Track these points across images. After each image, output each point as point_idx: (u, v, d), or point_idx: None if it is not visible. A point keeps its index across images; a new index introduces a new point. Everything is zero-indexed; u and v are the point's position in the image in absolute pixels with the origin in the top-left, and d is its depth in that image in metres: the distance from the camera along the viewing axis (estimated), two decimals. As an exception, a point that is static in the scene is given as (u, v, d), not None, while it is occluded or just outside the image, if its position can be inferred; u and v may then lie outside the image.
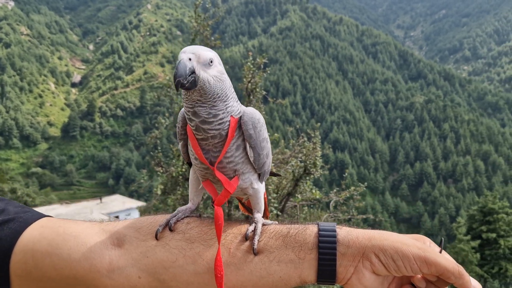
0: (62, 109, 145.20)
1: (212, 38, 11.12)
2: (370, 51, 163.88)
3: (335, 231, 1.05)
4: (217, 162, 1.12)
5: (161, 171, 12.37)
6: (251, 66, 10.14)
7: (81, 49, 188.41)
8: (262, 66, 10.20)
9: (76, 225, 1.10)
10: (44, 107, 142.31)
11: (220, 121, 1.10)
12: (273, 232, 1.09)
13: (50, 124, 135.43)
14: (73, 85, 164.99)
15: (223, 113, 1.10)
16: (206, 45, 10.74)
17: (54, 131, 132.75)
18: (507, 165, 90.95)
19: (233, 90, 1.15)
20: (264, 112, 10.49)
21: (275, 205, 9.23)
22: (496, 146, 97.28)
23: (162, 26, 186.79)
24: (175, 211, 1.16)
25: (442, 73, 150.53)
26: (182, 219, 1.14)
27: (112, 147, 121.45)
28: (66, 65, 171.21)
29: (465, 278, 0.98)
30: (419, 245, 1.00)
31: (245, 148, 1.14)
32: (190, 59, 1.10)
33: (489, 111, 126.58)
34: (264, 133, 1.16)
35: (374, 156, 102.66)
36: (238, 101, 1.15)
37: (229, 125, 1.10)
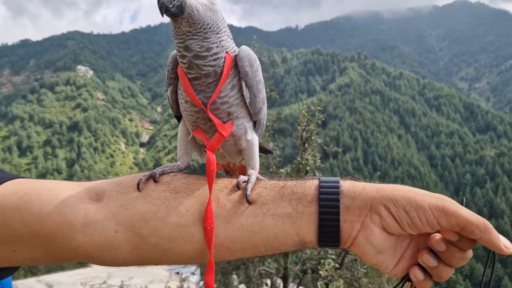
0: (131, 168, 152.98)
1: (268, 90, 11.58)
2: (433, 104, 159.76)
3: (338, 182, 0.92)
4: (210, 102, 1.04)
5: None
6: (306, 114, 10.36)
7: (150, 111, 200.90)
8: (316, 114, 10.40)
9: (52, 182, 1.00)
10: (114, 166, 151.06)
11: (214, 56, 1.03)
12: (268, 183, 0.97)
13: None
14: (142, 145, 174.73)
15: (216, 46, 1.03)
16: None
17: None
18: None
19: (226, 25, 1.09)
20: (323, 166, 10.52)
21: (333, 256, 8.98)
22: None
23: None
24: (162, 166, 1.08)
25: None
26: (168, 173, 1.04)
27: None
28: (136, 126, 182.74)
29: (493, 232, 0.81)
30: (435, 195, 0.85)
31: (240, 88, 1.07)
32: None
33: None
34: (261, 75, 1.10)
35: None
36: (232, 39, 1.09)
37: (224, 61, 1.03)
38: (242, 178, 0.99)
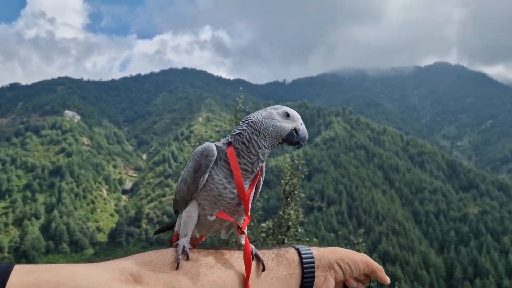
0: (112, 215, 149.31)
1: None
2: (416, 160, 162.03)
3: (310, 249, 1.43)
4: (249, 192, 1.41)
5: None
6: (289, 167, 10.21)
7: (135, 158, 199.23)
8: (299, 167, 10.28)
9: (66, 267, 0.98)
10: (95, 212, 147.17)
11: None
12: (267, 254, 1.37)
13: (98, 229, 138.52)
14: (124, 191, 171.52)
15: None
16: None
17: (102, 237, 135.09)
18: None
19: None
20: (306, 220, 10.27)
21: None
22: None
23: (211, 136, 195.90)
24: (179, 244, 1.30)
25: (496, 183, 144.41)
26: (191, 249, 1.28)
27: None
28: (119, 173, 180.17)
29: (383, 272, 1.45)
30: (360, 253, 1.46)
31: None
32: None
33: None
34: None
35: (428, 271, 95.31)
36: None
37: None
38: (253, 249, 1.38)
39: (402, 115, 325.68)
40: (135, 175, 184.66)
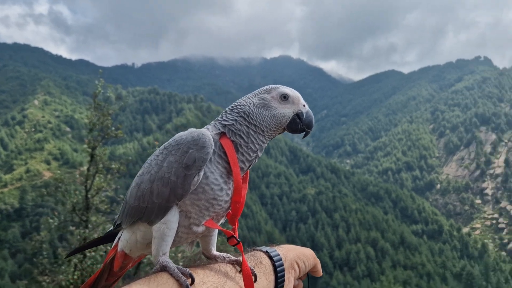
0: None
1: (113, 128, 10.43)
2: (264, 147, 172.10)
3: (276, 250, 1.35)
4: (244, 195, 1.27)
5: (47, 280, 10.50)
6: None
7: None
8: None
9: None
10: None
11: None
12: (251, 263, 1.26)
13: None
14: None
15: None
16: (107, 135, 10.06)
17: None
18: (394, 250, 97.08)
19: None
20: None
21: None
22: (382, 232, 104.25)
23: (49, 122, 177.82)
24: (168, 266, 1.12)
25: (329, 166, 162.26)
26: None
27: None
28: None
29: (320, 265, 1.48)
30: (308, 249, 1.47)
31: None
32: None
33: (372, 200, 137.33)
34: None
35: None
36: None
37: None
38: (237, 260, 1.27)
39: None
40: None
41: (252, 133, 1.27)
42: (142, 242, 1.27)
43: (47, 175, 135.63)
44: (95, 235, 10.58)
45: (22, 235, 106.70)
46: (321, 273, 1.46)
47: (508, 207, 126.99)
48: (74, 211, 10.66)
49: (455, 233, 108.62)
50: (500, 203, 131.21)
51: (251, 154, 1.26)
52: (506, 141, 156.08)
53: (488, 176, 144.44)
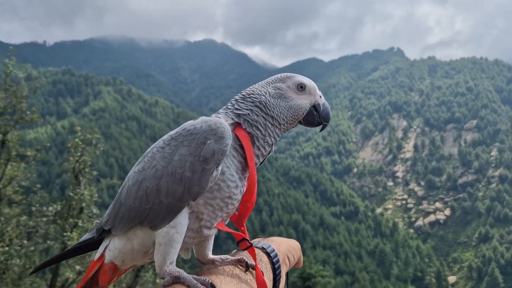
0: None
1: (28, 112, 9.59)
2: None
3: (271, 245, 1.27)
4: (255, 191, 1.17)
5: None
6: (80, 143, 8.95)
7: None
8: (94, 142, 9.09)
9: None
10: None
11: None
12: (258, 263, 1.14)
13: None
14: None
15: None
16: (22, 119, 9.18)
17: None
18: (314, 231, 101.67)
19: None
20: (97, 195, 9.20)
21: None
22: (303, 215, 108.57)
23: None
24: (181, 277, 0.99)
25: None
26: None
27: None
28: None
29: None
30: (293, 240, 1.41)
31: None
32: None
33: (294, 184, 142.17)
34: None
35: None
36: None
37: None
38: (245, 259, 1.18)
39: (173, 88, 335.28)
40: None
41: (269, 125, 1.17)
42: (140, 251, 1.10)
43: None
44: (8, 229, 9.77)
45: None
46: (302, 264, 1.38)
47: (416, 189, 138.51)
48: (-17, 203, 9.72)
49: (369, 213, 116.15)
50: (409, 185, 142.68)
51: (267, 148, 1.17)
52: (415, 127, 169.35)
53: (399, 160, 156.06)
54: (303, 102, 1.21)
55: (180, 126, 1.16)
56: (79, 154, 8.61)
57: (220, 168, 1.02)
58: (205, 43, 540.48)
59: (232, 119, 1.16)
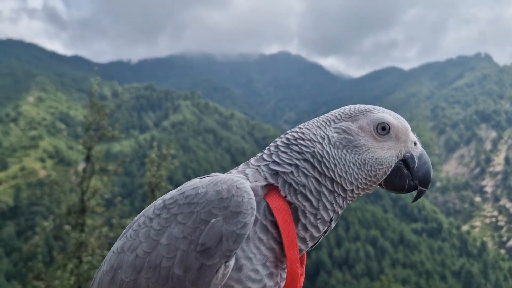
0: None
1: (110, 128, 9.96)
2: (261, 144, 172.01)
3: None
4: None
5: (42, 285, 10.11)
6: (156, 158, 9.11)
7: None
8: (169, 158, 9.23)
9: None
10: None
11: None
12: None
13: None
14: None
15: None
16: (104, 135, 9.60)
17: None
18: (393, 248, 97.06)
19: None
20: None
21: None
22: (382, 230, 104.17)
23: (45, 119, 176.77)
24: None
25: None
26: None
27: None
28: None
29: None
30: None
31: None
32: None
33: (372, 198, 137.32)
34: None
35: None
36: None
37: None
38: None
39: (248, 100, 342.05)
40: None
41: (326, 193, 0.74)
42: None
43: (42, 173, 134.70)
44: (92, 239, 10.23)
45: (18, 233, 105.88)
46: None
47: (508, 205, 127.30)
48: (70, 214, 10.30)
49: (454, 231, 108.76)
50: (500, 200, 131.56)
51: (320, 228, 0.71)
52: (506, 138, 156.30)
53: (488, 174, 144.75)
54: (386, 154, 0.81)
55: (181, 186, 0.80)
56: (155, 168, 8.72)
57: (232, 262, 0.62)
58: (280, 55, 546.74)
59: (266, 178, 0.79)
